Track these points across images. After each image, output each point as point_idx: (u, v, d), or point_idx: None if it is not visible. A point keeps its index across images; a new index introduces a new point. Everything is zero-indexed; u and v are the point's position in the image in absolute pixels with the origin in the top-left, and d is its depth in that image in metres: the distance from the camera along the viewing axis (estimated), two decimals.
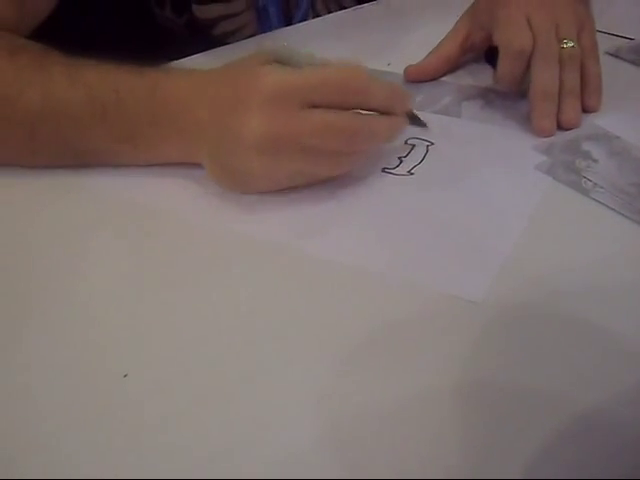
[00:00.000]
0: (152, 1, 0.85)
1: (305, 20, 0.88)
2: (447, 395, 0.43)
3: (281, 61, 0.54)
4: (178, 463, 0.40)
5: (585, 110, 0.67)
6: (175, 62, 0.72)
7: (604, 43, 0.76)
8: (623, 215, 0.55)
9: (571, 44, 0.65)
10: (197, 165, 0.58)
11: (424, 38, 0.76)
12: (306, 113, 0.52)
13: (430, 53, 0.75)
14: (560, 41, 0.65)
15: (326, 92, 0.53)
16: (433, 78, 0.74)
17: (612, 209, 0.55)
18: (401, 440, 0.41)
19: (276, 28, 0.86)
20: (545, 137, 0.65)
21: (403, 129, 0.60)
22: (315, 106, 0.53)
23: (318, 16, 0.89)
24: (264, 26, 0.86)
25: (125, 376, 0.44)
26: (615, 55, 0.76)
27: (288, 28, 0.85)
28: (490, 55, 0.73)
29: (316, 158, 0.54)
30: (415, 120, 0.63)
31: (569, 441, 0.40)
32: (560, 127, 0.65)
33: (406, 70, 0.74)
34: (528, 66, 0.65)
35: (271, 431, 0.41)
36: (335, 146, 0.54)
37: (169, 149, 0.58)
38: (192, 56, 0.75)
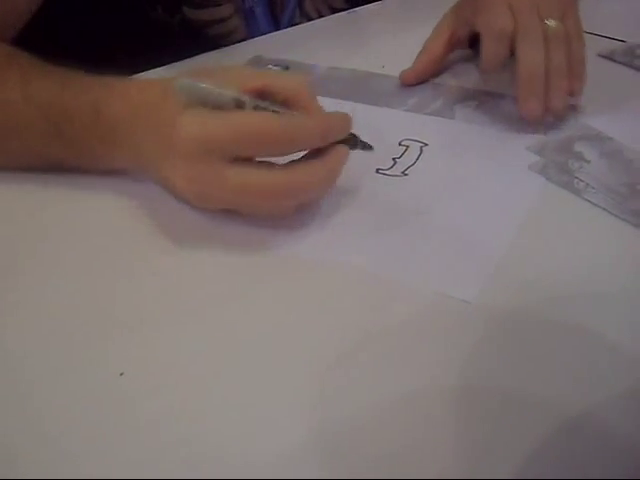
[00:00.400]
0: (144, 3, 0.85)
1: (292, 21, 0.88)
2: (440, 395, 0.43)
3: (202, 101, 0.50)
4: (172, 462, 0.40)
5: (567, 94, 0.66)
6: (171, 65, 0.73)
7: (598, 45, 0.77)
8: (614, 215, 0.55)
9: (554, 22, 0.65)
10: None
11: (418, 41, 0.77)
12: (227, 170, 0.50)
13: (419, 55, 0.75)
14: (543, 20, 0.64)
15: (247, 146, 0.50)
16: (427, 79, 0.74)
17: (604, 209, 0.56)
18: (393, 441, 0.41)
19: (264, 30, 0.86)
20: (532, 119, 0.64)
21: (345, 161, 0.54)
22: (238, 158, 0.51)
23: (307, 17, 0.89)
24: (252, 29, 0.86)
25: (121, 374, 0.45)
26: (608, 57, 0.77)
27: (282, 32, 0.86)
28: (473, 42, 0.74)
29: (247, 208, 0.54)
30: (355, 144, 0.56)
31: (560, 442, 0.41)
32: (546, 111, 0.65)
33: (401, 75, 0.74)
34: (512, 50, 0.65)
35: (266, 430, 0.42)
36: (260, 204, 0.53)
37: (121, 164, 0.58)
38: (186, 60, 0.75)
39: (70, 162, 0.59)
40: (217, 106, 0.50)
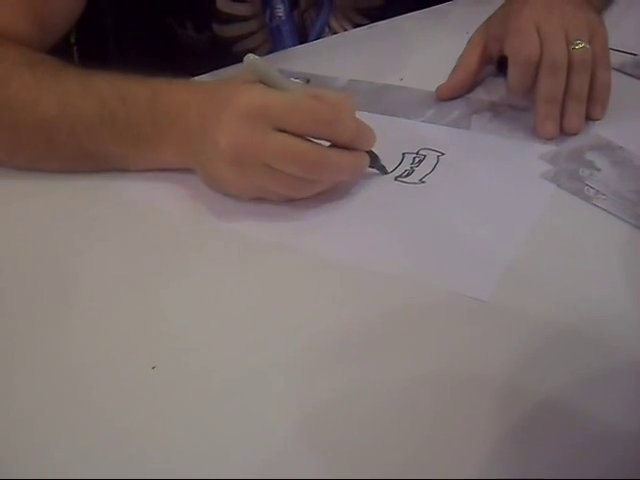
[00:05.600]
0: (173, 21, 0.88)
1: (320, 37, 0.90)
2: (447, 390, 0.45)
3: (266, 82, 0.56)
4: (197, 452, 0.43)
5: (588, 118, 0.69)
6: (197, 78, 0.76)
7: None
8: (623, 220, 0.57)
9: (582, 44, 0.66)
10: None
11: (435, 54, 0.79)
12: (272, 135, 0.55)
13: (455, 69, 0.76)
14: (570, 43, 0.66)
15: (296, 118, 0.55)
16: (462, 94, 0.75)
17: (613, 214, 0.58)
18: (391, 435, 0.43)
19: (290, 47, 0.88)
20: (548, 140, 0.67)
21: (365, 168, 0.61)
22: (285, 130, 0.55)
23: (334, 34, 0.91)
24: (278, 45, 0.88)
25: (154, 368, 0.47)
26: (620, 70, 0.78)
27: (304, 46, 0.88)
28: (501, 65, 0.75)
29: (276, 179, 0.57)
30: (375, 162, 0.63)
31: (558, 435, 0.43)
32: (562, 132, 0.67)
33: (438, 90, 0.75)
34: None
35: (271, 423, 0.44)
36: (294, 171, 0.56)
37: (165, 153, 0.61)
38: (213, 72, 0.78)
39: (115, 157, 0.62)
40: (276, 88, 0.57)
